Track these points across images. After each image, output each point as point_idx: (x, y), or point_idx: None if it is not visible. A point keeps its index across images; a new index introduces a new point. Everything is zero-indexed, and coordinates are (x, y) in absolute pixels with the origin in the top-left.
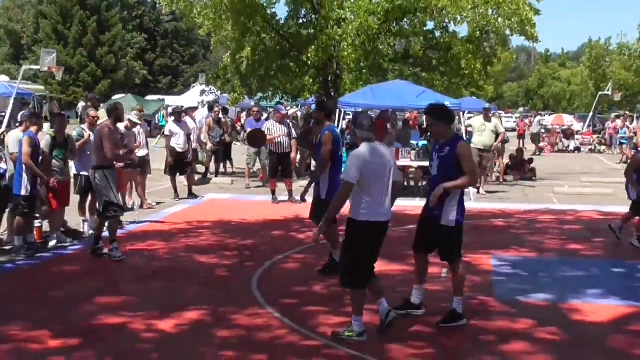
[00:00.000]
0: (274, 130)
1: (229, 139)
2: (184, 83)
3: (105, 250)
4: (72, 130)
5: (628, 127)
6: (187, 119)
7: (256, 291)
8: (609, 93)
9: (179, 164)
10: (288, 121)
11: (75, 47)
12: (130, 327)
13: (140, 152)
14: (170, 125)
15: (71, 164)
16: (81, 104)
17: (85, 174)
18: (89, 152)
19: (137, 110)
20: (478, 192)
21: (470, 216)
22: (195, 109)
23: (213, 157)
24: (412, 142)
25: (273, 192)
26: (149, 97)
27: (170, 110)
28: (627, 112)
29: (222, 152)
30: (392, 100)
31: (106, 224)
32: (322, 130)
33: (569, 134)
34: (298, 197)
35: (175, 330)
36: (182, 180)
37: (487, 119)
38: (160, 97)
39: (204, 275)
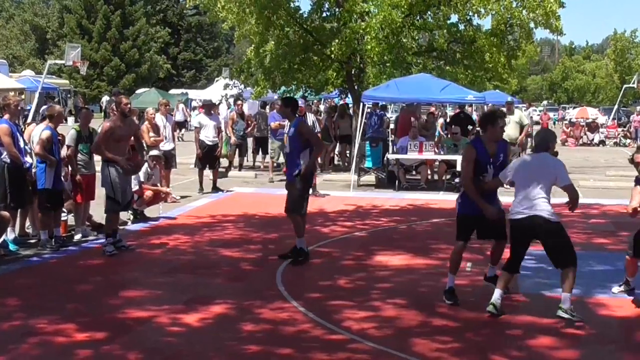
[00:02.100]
0: (207, 121)
1: (257, 133)
2: (208, 77)
3: (126, 243)
4: (97, 125)
5: None
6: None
7: (280, 285)
8: (634, 86)
9: (208, 157)
10: (311, 115)
11: (100, 41)
12: (156, 321)
13: (166, 146)
14: (200, 118)
15: (97, 158)
16: (105, 98)
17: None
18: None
19: (163, 104)
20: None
21: None
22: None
23: (237, 151)
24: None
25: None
26: (173, 91)
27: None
28: None
29: (256, 145)
30: (416, 94)
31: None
32: (293, 124)
33: (593, 127)
34: (322, 192)
35: (200, 323)
36: (207, 174)
37: (510, 111)
38: (184, 90)
39: (229, 269)
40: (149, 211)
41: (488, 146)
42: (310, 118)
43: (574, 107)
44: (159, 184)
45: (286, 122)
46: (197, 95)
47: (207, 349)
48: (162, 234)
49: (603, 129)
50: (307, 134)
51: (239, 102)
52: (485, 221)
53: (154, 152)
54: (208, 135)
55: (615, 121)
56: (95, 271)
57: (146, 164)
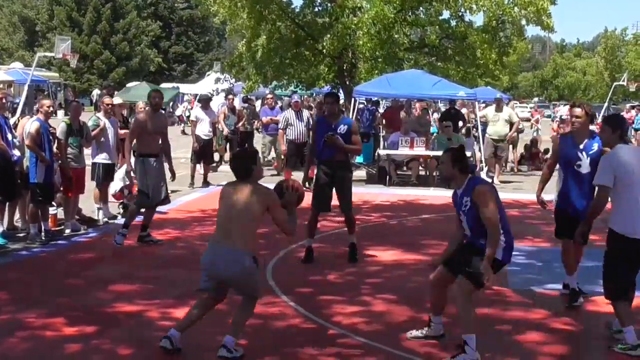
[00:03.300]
0: (292, 120)
1: (247, 127)
2: (199, 71)
3: (152, 238)
4: (88, 119)
5: None
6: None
7: (271, 280)
8: (624, 83)
9: (204, 151)
10: (306, 111)
11: (90, 34)
12: (146, 315)
13: None
14: (196, 111)
15: (87, 151)
16: (96, 92)
17: (102, 162)
18: (103, 140)
19: None
20: (492, 182)
21: None
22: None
23: (228, 145)
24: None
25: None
26: (164, 85)
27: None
28: None
29: (241, 140)
30: (407, 90)
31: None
32: (344, 121)
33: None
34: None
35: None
36: (198, 168)
37: (499, 109)
38: (175, 84)
39: None
40: None
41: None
42: (305, 114)
43: (565, 104)
44: None
45: (280, 117)
46: (188, 89)
47: (197, 344)
48: (153, 228)
49: (594, 126)
50: (357, 134)
51: (230, 96)
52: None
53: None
54: (204, 130)
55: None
56: (85, 265)
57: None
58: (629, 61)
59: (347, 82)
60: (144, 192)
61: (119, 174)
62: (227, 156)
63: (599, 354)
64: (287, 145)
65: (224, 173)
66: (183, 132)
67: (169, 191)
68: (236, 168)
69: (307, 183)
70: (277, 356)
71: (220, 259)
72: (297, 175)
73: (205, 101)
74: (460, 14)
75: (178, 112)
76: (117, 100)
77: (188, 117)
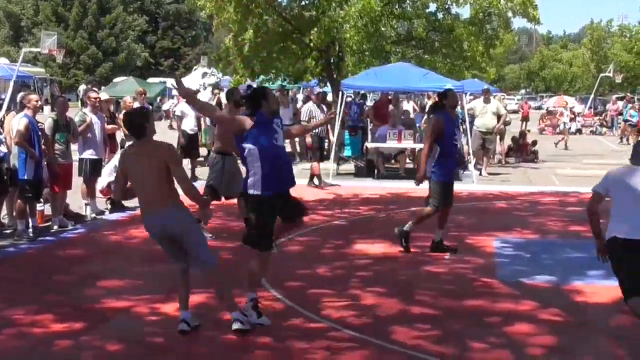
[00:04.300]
0: (315, 112)
1: None
2: (186, 65)
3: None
4: (74, 114)
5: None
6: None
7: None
8: (610, 75)
9: (190, 146)
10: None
11: (76, 29)
12: (135, 310)
13: None
14: (182, 106)
15: (74, 147)
16: (82, 87)
17: (89, 157)
18: (89, 135)
19: (140, 92)
20: (480, 174)
21: (473, 198)
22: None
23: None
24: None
25: (318, 177)
26: (151, 80)
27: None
28: (629, 94)
29: None
30: (394, 83)
31: None
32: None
33: (560, 115)
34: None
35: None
36: (186, 163)
37: (487, 100)
38: (162, 79)
39: None
40: (129, 201)
41: None
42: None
43: (551, 96)
44: None
45: (303, 110)
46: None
47: (186, 338)
48: (141, 223)
49: (580, 118)
50: None
51: (216, 91)
52: None
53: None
54: (190, 125)
55: (592, 110)
56: (72, 261)
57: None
58: (614, 53)
59: (335, 76)
60: (211, 186)
61: (107, 169)
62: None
63: (588, 344)
64: (312, 138)
65: None
66: (170, 127)
67: None
68: (131, 126)
69: None
70: (266, 350)
71: (156, 222)
72: (324, 167)
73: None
74: (447, 6)
75: (165, 107)
76: (103, 95)
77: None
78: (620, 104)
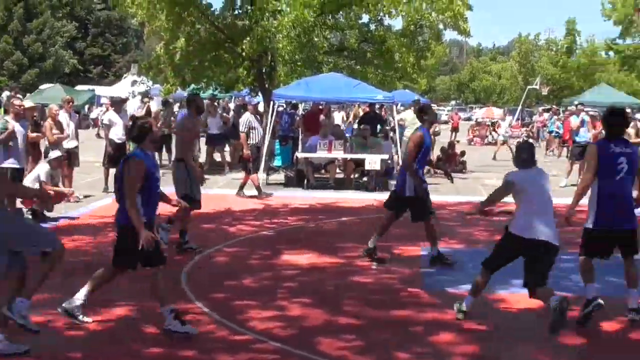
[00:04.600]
0: (254, 123)
1: (164, 130)
2: (116, 73)
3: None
4: None
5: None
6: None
7: (185, 285)
8: (537, 87)
9: (118, 155)
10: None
11: (0, 34)
12: (54, 325)
13: (70, 144)
14: (110, 115)
15: None
16: (5, 94)
17: (11, 166)
18: (11, 144)
19: (67, 100)
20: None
21: None
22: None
23: None
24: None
25: (258, 187)
26: (79, 87)
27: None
28: (555, 106)
29: (159, 144)
30: (326, 93)
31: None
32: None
33: (498, 127)
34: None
35: (101, 327)
36: (113, 171)
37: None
38: (91, 87)
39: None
40: (52, 210)
41: None
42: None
43: (481, 107)
44: (60, 184)
45: (241, 121)
46: (104, 92)
47: (108, 353)
48: (63, 234)
49: (508, 129)
50: None
51: (146, 99)
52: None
53: (55, 154)
54: (117, 134)
55: (519, 121)
56: None
57: (48, 164)
58: (541, 65)
59: (266, 86)
60: (188, 196)
61: (29, 178)
62: None
63: (510, 352)
64: (251, 149)
65: None
66: (98, 136)
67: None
68: None
69: None
70: None
71: None
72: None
73: (118, 104)
74: (379, 18)
75: (93, 115)
76: (27, 103)
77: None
78: (546, 115)
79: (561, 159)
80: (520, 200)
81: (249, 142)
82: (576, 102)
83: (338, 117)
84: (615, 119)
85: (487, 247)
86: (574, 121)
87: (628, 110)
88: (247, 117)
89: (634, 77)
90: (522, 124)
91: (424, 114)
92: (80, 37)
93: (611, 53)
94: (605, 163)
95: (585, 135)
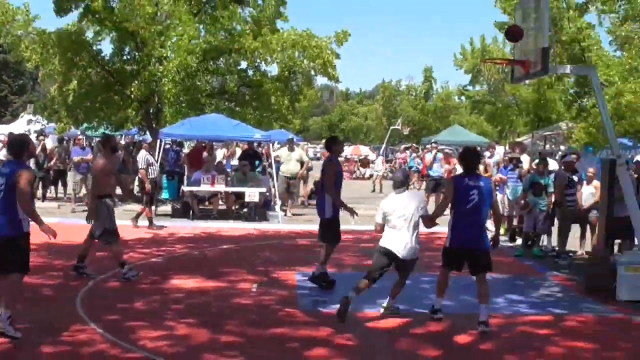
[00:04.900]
0: (152, 159)
1: (60, 166)
2: (13, 113)
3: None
4: None
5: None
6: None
7: (80, 308)
8: (399, 127)
9: None
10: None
11: None
12: None
13: None
14: (3, 153)
15: None
16: None
17: None
18: None
19: None
20: (285, 214)
21: (278, 236)
22: None
23: (40, 183)
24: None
25: (150, 219)
26: None
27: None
28: (415, 145)
29: (54, 178)
30: (209, 132)
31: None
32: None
33: (365, 162)
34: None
35: None
36: None
37: (291, 149)
38: None
39: (30, 294)
40: None
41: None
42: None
43: (349, 145)
44: None
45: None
46: (1, 129)
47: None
48: None
49: (373, 165)
50: None
51: (41, 137)
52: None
53: None
54: None
55: (383, 158)
56: None
57: None
58: (402, 108)
59: (154, 125)
60: (115, 231)
61: None
62: (39, 193)
63: None
64: (150, 183)
65: (40, 209)
66: None
67: None
68: None
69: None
70: None
71: None
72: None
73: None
74: (256, 64)
75: None
76: None
77: None
78: (407, 153)
79: (420, 192)
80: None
81: (148, 177)
82: (432, 141)
83: (220, 154)
84: (469, 157)
85: (356, 270)
86: (428, 157)
87: (478, 148)
88: (144, 154)
89: (482, 120)
90: (386, 160)
91: (333, 144)
92: None
93: (463, 98)
94: (459, 194)
95: (439, 170)
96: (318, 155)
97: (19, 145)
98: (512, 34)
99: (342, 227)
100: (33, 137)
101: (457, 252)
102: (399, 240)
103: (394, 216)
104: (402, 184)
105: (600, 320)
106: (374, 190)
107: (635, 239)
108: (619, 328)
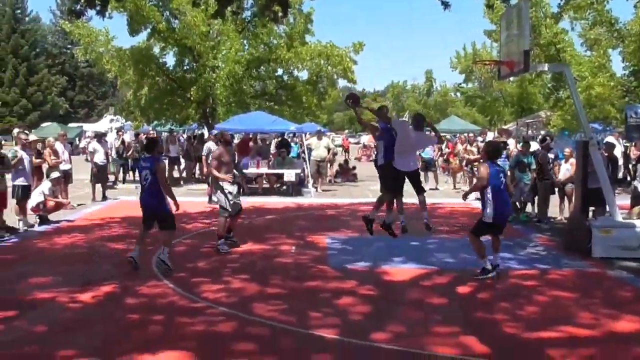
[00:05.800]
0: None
1: (136, 155)
2: (98, 114)
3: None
4: (7, 151)
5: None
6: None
7: (155, 268)
8: (406, 119)
9: (101, 174)
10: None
11: (10, 86)
12: (57, 300)
13: (65, 167)
14: (94, 144)
15: (8, 176)
16: (16, 130)
17: (21, 184)
18: (20, 167)
19: (62, 134)
20: (316, 190)
21: (311, 208)
22: (105, 134)
23: (121, 169)
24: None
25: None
26: (71, 125)
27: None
28: None
29: (131, 165)
30: (253, 126)
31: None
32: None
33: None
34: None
35: (93, 300)
36: (98, 186)
37: (320, 138)
38: (79, 124)
39: (115, 258)
40: (54, 216)
41: None
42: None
43: (366, 135)
44: (59, 196)
45: (205, 148)
46: (90, 127)
47: (98, 319)
48: (63, 233)
49: None
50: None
51: (120, 132)
52: None
53: (54, 175)
54: (100, 158)
55: None
56: (7, 264)
57: (50, 182)
58: (409, 104)
59: (210, 121)
60: (224, 207)
61: (36, 192)
62: (120, 177)
63: (391, 310)
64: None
65: (119, 190)
66: (86, 160)
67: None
68: None
69: None
70: (158, 325)
71: None
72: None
73: (100, 136)
74: (290, 71)
75: (82, 145)
76: (32, 137)
77: None
78: None
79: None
80: None
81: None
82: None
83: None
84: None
85: (377, 235)
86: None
87: (471, 134)
88: (208, 145)
89: (475, 111)
90: None
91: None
92: (70, 87)
93: (458, 94)
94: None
95: (430, 152)
96: (341, 142)
97: (151, 144)
98: (352, 97)
99: (361, 200)
100: (114, 132)
101: (496, 226)
102: None
103: None
104: None
105: (578, 274)
106: None
107: (607, 206)
108: (594, 280)
